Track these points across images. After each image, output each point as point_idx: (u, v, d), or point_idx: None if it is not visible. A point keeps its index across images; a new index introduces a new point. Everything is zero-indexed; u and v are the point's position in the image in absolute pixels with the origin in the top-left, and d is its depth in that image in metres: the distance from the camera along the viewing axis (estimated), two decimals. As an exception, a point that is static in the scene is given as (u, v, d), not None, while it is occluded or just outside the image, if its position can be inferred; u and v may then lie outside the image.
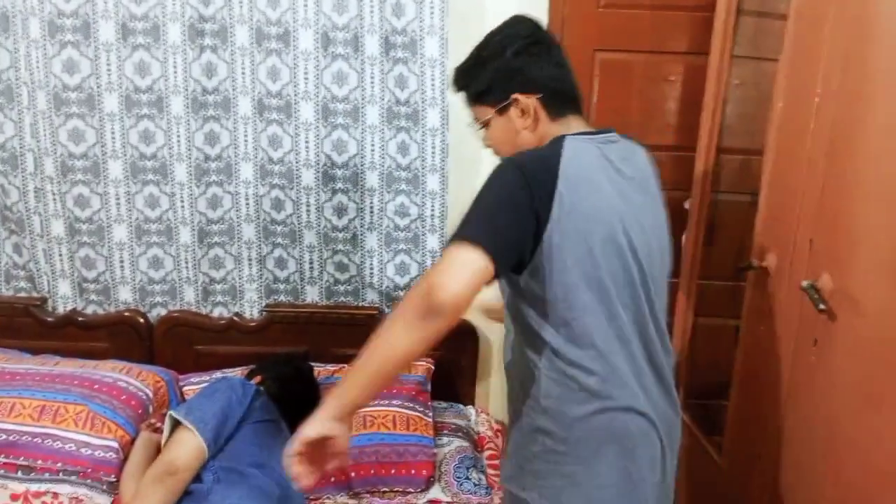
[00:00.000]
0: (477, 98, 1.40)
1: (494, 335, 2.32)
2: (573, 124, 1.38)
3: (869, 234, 1.38)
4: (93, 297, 2.20)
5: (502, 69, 1.36)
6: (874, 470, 1.34)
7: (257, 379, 1.84)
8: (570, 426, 1.28)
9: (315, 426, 1.15)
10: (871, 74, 1.40)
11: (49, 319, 2.18)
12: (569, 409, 1.27)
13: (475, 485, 1.82)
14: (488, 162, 2.19)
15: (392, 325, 1.15)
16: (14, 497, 1.71)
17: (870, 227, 1.38)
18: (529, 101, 1.35)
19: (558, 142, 1.33)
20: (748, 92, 2.00)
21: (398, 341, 1.15)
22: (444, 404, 2.14)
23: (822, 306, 1.47)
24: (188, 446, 1.58)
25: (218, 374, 2.07)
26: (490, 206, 1.21)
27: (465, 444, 1.95)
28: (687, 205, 2.15)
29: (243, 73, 2.07)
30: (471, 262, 1.13)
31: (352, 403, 1.18)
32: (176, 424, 1.62)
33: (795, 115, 1.64)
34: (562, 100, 1.37)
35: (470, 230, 1.17)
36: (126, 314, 2.20)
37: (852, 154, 1.45)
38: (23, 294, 2.22)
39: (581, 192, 1.25)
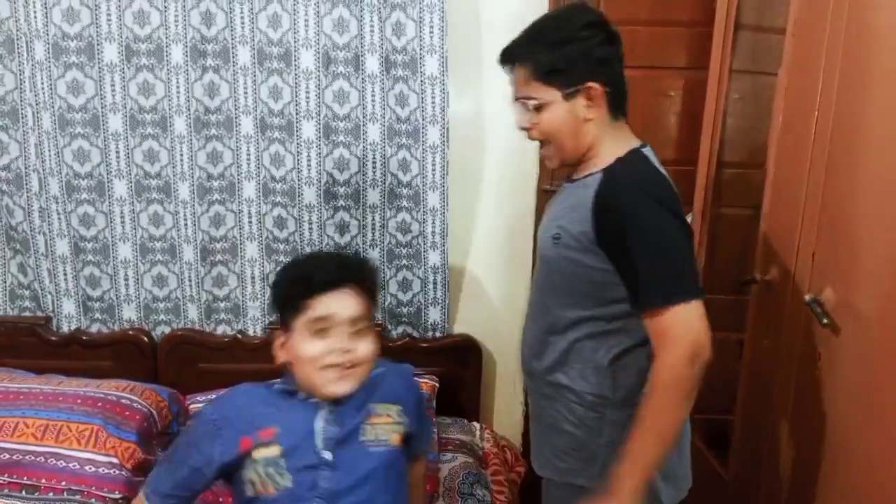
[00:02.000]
0: (545, 75, 1.33)
1: (498, 351, 2.32)
2: (626, 129, 1.40)
3: (871, 246, 1.39)
4: (97, 315, 2.21)
5: (586, 53, 1.32)
6: (880, 482, 1.33)
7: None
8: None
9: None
10: (868, 87, 1.41)
11: (53, 339, 2.19)
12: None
13: (479, 501, 1.81)
14: (488, 178, 2.23)
15: (663, 410, 1.27)
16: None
17: (871, 239, 1.39)
18: (601, 92, 1.33)
19: (646, 159, 1.37)
20: (747, 106, 2.01)
21: (683, 415, 1.29)
22: (448, 419, 2.14)
23: (825, 321, 1.47)
24: None
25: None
26: (682, 253, 1.29)
27: (470, 460, 1.94)
28: (689, 219, 2.15)
29: (245, 93, 2.09)
30: (701, 314, 1.26)
31: (633, 488, 1.28)
32: None
33: (795, 129, 1.65)
34: (623, 101, 1.38)
35: (689, 287, 1.26)
36: (130, 333, 2.20)
37: (852, 167, 1.46)
38: (27, 314, 2.23)
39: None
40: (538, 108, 1.35)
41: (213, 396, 2.08)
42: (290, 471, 1.31)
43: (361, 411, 1.37)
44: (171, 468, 1.37)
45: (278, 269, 2.18)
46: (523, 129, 1.40)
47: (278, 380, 1.41)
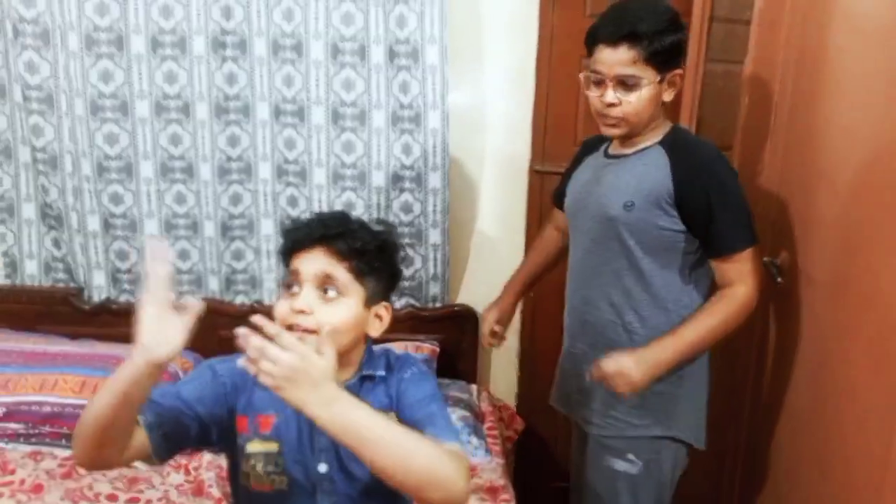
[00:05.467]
0: (653, 56, 1.47)
1: (494, 320, 2.50)
2: None
3: (821, 217, 1.56)
4: (125, 286, 2.41)
5: (681, 43, 1.52)
6: (825, 426, 1.51)
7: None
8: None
9: (640, 368, 1.50)
10: (822, 74, 1.58)
11: (85, 308, 2.38)
12: None
13: (475, 448, 2.00)
14: (490, 162, 2.39)
15: (728, 321, 1.53)
16: (63, 462, 1.90)
17: (822, 211, 1.56)
18: (681, 78, 1.55)
19: (691, 132, 1.69)
20: (720, 93, 2.18)
21: (729, 333, 1.54)
22: (447, 381, 2.32)
23: (779, 279, 1.65)
24: None
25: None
26: (747, 205, 1.55)
27: (468, 414, 2.12)
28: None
29: (261, 81, 2.27)
30: (759, 256, 1.56)
31: (666, 362, 1.53)
32: None
33: (758, 112, 1.83)
34: None
35: (752, 234, 1.54)
36: (156, 302, 2.39)
37: (807, 147, 1.64)
38: (61, 285, 2.43)
39: None
40: (633, 87, 1.49)
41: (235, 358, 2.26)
42: (288, 470, 1.21)
43: None
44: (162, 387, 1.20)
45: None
46: (608, 104, 1.52)
47: None
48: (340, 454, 1.20)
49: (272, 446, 1.21)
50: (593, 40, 1.52)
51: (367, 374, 1.24)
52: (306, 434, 1.21)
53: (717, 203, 1.50)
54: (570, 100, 2.32)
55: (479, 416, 2.19)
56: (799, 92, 1.67)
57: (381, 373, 1.24)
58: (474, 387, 2.38)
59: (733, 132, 1.96)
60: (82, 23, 2.20)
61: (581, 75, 1.58)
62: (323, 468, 1.21)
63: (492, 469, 1.95)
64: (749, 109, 1.88)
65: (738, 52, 1.92)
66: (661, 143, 1.57)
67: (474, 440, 2.03)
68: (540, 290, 2.45)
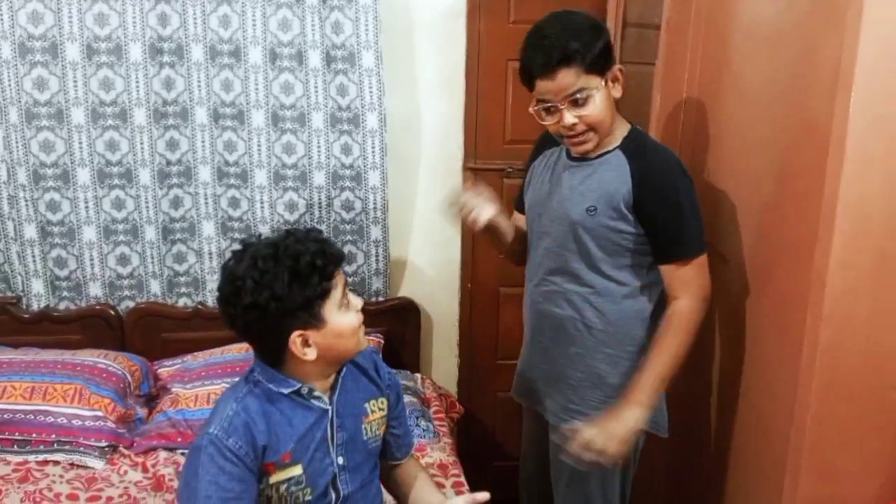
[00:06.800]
0: (591, 65, 1.48)
1: (433, 312, 2.63)
2: None
3: (729, 205, 1.75)
4: (65, 293, 2.40)
5: (609, 42, 1.52)
6: (742, 393, 1.70)
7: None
8: None
9: (637, 421, 1.57)
10: (723, 74, 1.78)
11: (25, 316, 2.36)
12: None
13: (424, 430, 2.12)
14: (426, 161, 2.52)
15: (684, 341, 1.58)
16: (17, 467, 1.91)
17: (731, 198, 1.75)
18: (622, 71, 1.56)
19: (648, 135, 1.67)
20: (634, 92, 2.37)
21: (683, 356, 1.59)
22: (393, 371, 2.42)
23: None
24: None
25: (188, 358, 2.30)
26: (699, 212, 1.60)
27: (415, 400, 2.24)
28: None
29: (199, 86, 2.32)
30: (705, 263, 1.61)
31: (640, 415, 1.58)
32: None
33: (669, 109, 2.02)
34: None
35: (701, 242, 1.59)
36: (97, 308, 2.40)
37: (715, 139, 1.83)
38: (-2, 294, 2.40)
39: None
40: (585, 101, 1.50)
41: (179, 364, 2.30)
42: (310, 485, 1.34)
43: (359, 411, 1.42)
44: None
45: (233, 245, 2.42)
46: (569, 126, 1.53)
47: (250, 379, 1.35)
48: (348, 447, 1.39)
49: (296, 469, 1.34)
50: (529, 76, 1.53)
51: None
52: (322, 441, 1.36)
53: (670, 211, 1.55)
54: (498, 101, 2.48)
55: (425, 402, 2.31)
56: (705, 90, 1.86)
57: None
58: (418, 375, 2.49)
59: (646, 128, 2.14)
60: (16, 31, 2.19)
61: (531, 110, 1.57)
62: (340, 460, 1.38)
63: (440, 448, 2.08)
64: (661, 106, 2.07)
65: (649, 55, 2.11)
66: (622, 147, 1.59)
67: (423, 423, 2.14)
68: (477, 283, 2.60)
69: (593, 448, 1.55)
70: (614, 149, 1.60)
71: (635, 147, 1.59)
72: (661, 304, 1.66)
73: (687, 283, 1.58)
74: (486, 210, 1.66)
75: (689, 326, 1.58)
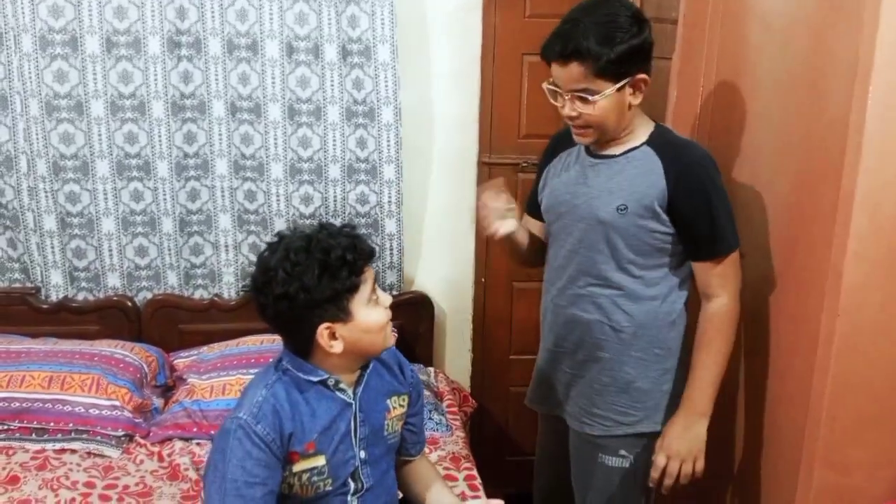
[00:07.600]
0: (602, 71, 1.43)
1: (447, 306, 2.63)
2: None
3: (746, 196, 1.74)
4: (83, 284, 2.43)
5: (636, 49, 1.45)
6: (760, 373, 1.69)
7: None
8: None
9: (701, 431, 1.58)
10: (743, 67, 1.77)
11: (43, 307, 2.39)
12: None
13: (437, 423, 2.13)
14: (438, 152, 2.52)
15: (729, 341, 1.58)
16: (35, 455, 1.94)
17: (745, 190, 1.75)
18: (646, 81, 1.50)
19: (674, 132, 1.63)
20: (652, 86, 2.37)
21: (727, 356, 1.58)
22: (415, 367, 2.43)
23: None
24: None
25: (204, 350, 2.32)
26: (730, 208, 1.57)
27: (428, 393, 2.24)
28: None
29: (216, 80, 2.34)
30: (738, 258, 1.58)
31: (701, 419, 1.59)
32: None
33: (686, 104, 2.01)
34: None
35: (736, 237, 1.56)
36: (115, 298, 2.43)
37: (730, 133, 1.82)
38: (17, 285, 2.43)
39: None
40: (590, 100, 1.47)
41: (195, 355, 2.32)
42: (331, 476, 1.36)
43: (381, 407, 1.43)
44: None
45: (249, 238, 2.44)
46: (568, 116, 1.52)
47: (279, 367, 1.37)
48: (370, 441, 1.41)
49: (319, 460, 1.35)
50: (545, 57, 1.50)
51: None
52: (346, 434, 1.38)
53: (706, 207, 1.51)
54: (514, 95, 2.48)
55: (438, 395, 2.31)
56: (721, 84, 1.85)
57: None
58: (431, 369, 2.50)
59: (664, 122, 2.14)
60: (36, 24, 2.22)
61: (544, 86, 1.54)
62: (363, 454, 1.40)
63: (454, 441, 2.09)
64: (678, 101, 2.06)
65: (666, 49, 2.10)
66: (649, 143, 1.55)
67: (436, 416, 2.15)
68: (491, 277, 2.61)
69: (685, 475, 1.59)
70: (641, 145, 1.56)
71: (664, 142, 1.55)
72: (687, 305, 1.63)
73: (724, 280, 1.55)
74: (505, 225, 1.65)
75: (732, 326, 1.57)
